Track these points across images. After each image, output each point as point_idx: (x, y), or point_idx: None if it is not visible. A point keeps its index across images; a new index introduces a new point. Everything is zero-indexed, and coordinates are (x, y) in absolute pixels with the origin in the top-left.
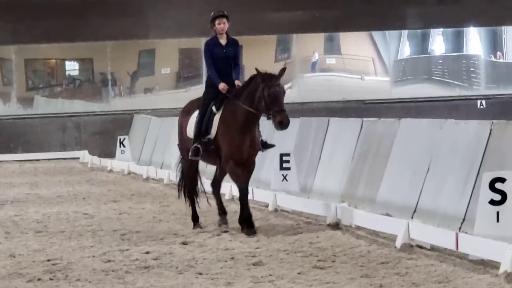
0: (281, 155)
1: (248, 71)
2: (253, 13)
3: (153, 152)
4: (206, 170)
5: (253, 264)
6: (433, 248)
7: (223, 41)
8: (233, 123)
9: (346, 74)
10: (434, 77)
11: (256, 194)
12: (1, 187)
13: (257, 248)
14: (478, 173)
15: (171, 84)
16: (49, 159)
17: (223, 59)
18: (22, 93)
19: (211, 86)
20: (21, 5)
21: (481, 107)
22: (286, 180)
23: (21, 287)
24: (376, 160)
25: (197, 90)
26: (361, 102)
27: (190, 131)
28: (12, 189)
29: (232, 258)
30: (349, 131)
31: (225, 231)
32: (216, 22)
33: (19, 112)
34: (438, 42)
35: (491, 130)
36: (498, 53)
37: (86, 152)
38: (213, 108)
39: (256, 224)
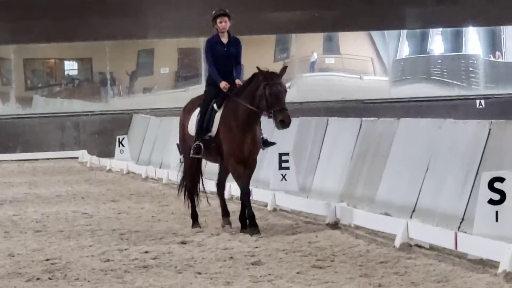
0: (280, 155)
1: (247, 71)
2: (252, 13)
3: (152, 152)
4: (206, 170)
5: (252, 264)
6: (432, 248)
7: (224, 39)
8: (234, 121)
9: (345, 73)
10: (433, 77)
11: (255, 193)
12: (0, 187)
13: (256, 247)
14: (477, 172)
15: (170, 84)
16: (48, 159)
17: (224, 57)
18: (21, 93)
19: (212, 84)
20: (20, 4)
21: (480, 107)
22: (285, 180)
23: (20, 287)
24: (375, 160)
25: (196, 90)
26: (360, 101)
27: (192, 128)
28: (11, 189)
29: (231, 257)
30: (348, 131)
31: (224, 231)
32: (218, 20)
33: (18, 111)
34: (437, 42)
35: (490, 129)
36: (497, 53)
37: (85, 151)
38: (214, 106)
39: None
